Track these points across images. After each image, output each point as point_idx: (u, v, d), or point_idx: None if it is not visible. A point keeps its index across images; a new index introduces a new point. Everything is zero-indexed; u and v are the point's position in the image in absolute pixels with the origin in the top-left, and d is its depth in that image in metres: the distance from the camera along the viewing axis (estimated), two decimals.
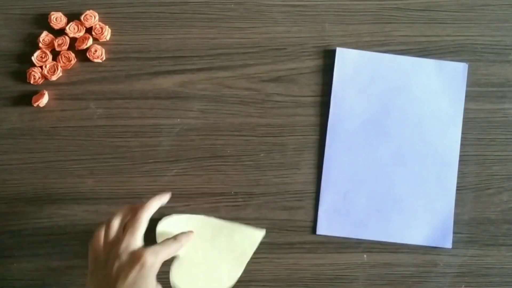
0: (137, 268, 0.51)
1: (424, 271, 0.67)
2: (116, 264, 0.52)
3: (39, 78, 0.66)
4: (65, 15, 0.68)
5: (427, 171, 0.68)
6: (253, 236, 0.61)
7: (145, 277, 0.51)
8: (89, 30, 0.68)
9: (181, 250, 0.58)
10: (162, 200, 0.58)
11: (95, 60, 0.67)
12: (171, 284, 0.57)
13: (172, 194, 0.66)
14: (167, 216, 0.61)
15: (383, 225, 0.67)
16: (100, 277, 0.52)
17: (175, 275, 0.58)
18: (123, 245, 0.52)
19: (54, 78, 0.66)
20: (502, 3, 0.70)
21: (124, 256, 0.52)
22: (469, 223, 0.68)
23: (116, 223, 0.55)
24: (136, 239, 0.53)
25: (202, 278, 0.59)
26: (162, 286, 0.54)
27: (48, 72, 0.66)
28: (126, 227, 0.55)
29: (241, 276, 0.65)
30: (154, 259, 0.52)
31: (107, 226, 0.55)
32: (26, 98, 0.67)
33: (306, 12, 0.69)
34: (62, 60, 0.67)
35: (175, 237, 0.56)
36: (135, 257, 0.51)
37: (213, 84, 0.68)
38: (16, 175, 0.66)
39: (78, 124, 0.67)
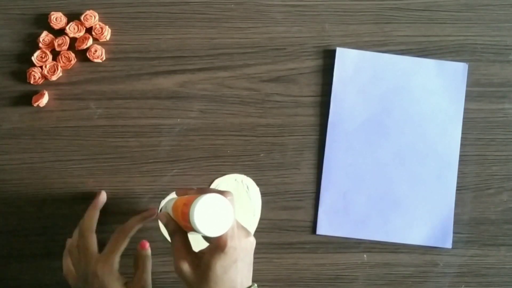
0: (95, 280, 0.57)
1: (424, 271, 0.67)
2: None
3: (39, 78, 0.66)
4: (65, 15, 0.68)
5: (427, 171, 0.68)
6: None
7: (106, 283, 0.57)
8: (89, 30, 0.68)
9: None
10: (98, 205, 0.64)
11: (95, 60, 0.67)
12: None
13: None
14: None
15: (383, 225, 0.67)
16: None
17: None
18: (82, 264, 0.59)
19: (54, 78, 0.66)
20: (502, 3, 0.70)
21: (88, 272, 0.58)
22: (469, 223, 0.68)
23: (73, 249, 0.61)
24: (90, 254, 0.59)
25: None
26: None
27: (48, 72, 0.66)
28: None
29: None
30: (101, 267, 0.57)
31: (69, 252, 0.62)
32: (26, 98, 0.67)
33: (306, 12, 0.69)
34: (62, 60, 0.67)
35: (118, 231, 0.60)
36: (92, 272, 0.58)
37: (213, 84, 0.68)
38: (16, 175, 0.66)
39: (78, 124, 0.67)
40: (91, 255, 0.59)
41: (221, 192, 0.50)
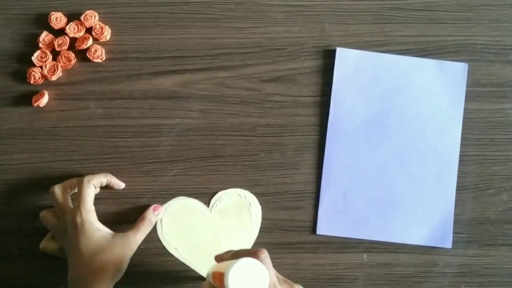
0: (74, 229, 0.59)
1: (424, 271, 0.67)
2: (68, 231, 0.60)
3: (39, 78, 0.66)
4: (65, 15, 0.68)
5: (427, 171, 0.68)
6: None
7: (84, 233, 0.59)
8: (89, 30, 0.68)
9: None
10: (109, 179, 0.64)
11: (95, 60, 0.67)
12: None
13: (172, 194, 0.67)
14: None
15: (383, 225, 0.67)
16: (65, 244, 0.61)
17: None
18: (69, 216, 0.60)
19: (54, 78, 0.66)
20: (502, 3, 0.70)
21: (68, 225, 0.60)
22: (469, 223, 0.68)
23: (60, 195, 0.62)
24: (82, 210, 0.60)
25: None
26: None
27: (48, 72, 0.66)
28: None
29: None
30: (79, 217, 0.59)
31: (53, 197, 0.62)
32: (26, 98, 0.67)
33: (306, 12, 0.69)
34: (62, 60, 0.67)
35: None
36: (71, 221, 0.60)
37: (213, 84, 0.68)
38: (16, 175, 0.66)
39: (78, 124, 0.67)
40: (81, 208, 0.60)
41: (254, 253, 0.50)
